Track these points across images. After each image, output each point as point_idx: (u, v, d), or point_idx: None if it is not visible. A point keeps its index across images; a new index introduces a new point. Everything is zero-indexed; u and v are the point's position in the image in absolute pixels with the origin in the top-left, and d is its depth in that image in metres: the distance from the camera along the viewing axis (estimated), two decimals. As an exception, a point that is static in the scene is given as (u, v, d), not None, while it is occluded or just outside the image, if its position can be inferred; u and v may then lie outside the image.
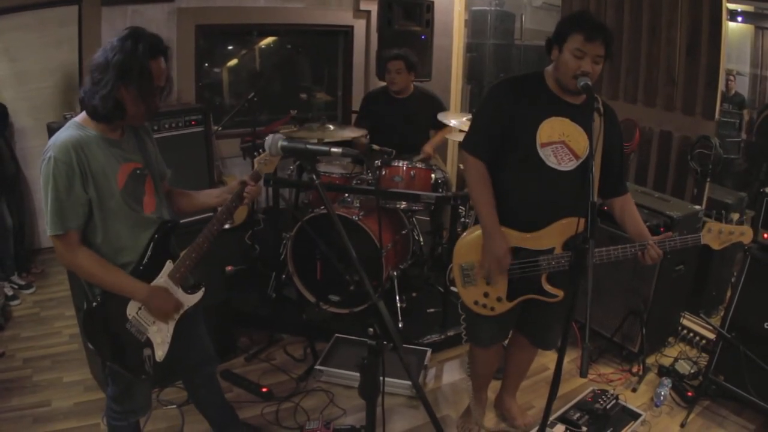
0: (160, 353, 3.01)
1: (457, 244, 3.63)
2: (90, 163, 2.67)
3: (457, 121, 5.70)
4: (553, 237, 3.38)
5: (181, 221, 3.17)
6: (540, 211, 3.38)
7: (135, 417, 3.26)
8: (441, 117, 5.93)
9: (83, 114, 2.75)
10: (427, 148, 6.07)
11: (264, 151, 2.86)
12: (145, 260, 2.92)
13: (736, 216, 6.00)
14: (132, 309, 2.91)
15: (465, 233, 3.63)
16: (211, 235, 3.03)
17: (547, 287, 3.45)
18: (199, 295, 3.15)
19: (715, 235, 3.27)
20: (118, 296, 2.86)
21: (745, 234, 3.26)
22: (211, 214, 4.36)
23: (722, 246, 3.30)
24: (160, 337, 3.00)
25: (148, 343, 2.97)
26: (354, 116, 8.17)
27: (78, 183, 2.65)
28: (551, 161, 3.29)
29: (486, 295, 3.53)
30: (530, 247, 3.40)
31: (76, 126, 2.73)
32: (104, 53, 2.64)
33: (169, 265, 3.00)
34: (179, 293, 3.05)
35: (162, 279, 2.98)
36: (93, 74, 2.65)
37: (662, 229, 4.54)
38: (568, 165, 3.31)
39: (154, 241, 2.95)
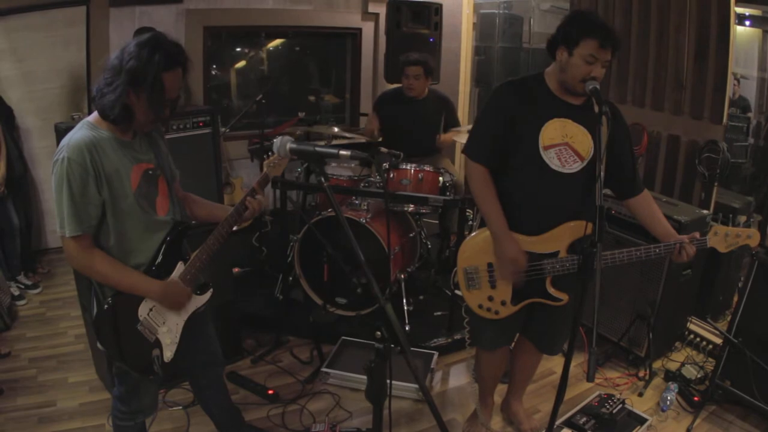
0: (168, 354, 3.01)
1: (461, 247, 3.61)
2: (103, 164, 2.67)
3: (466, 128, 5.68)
4: (557, 240, 3.36)
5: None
6: (544, 215, 3.36)
7: (141, 417, 3.26)
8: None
9: (95, 114, 2.75)
10: (443, 137, 6.07)
11: (273, 153, 2.86)
12: (157, 262, 2.93)
13: (743, 219, 5.99)
14: (143, 310, 2.92)
15: (469, 237, 3.62)
16: (221, 237, 3.02)
17: (552, 291, 3.43)
18: (208, 295, 3.15)
19: (721, 238, 3.26)
20: (130, 297, 2.86)
21: (752, 237, 3.24)
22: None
23: (729, 249, 3.29)
24: (169, 338, 3.01)
25: (157, 344, 2.98)
26: (362, 118, 8.21)
27: (92, 184, 2.64)
28: (555, 164, 3.28)
29: (491, 298, 3.52)
30: (534, 251, 3.38)
31: (89, 126, 2.72)
32: (120, 56, 2.62)
33: (180, 267, 3.00)
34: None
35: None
36: (106, 75, 2.64)
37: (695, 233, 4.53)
38: (573, 167, 3.30)
39: (166, 244, 2.95)
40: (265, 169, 3.03)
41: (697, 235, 3.29)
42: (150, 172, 2.90)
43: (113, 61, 2.64)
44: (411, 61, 5.99)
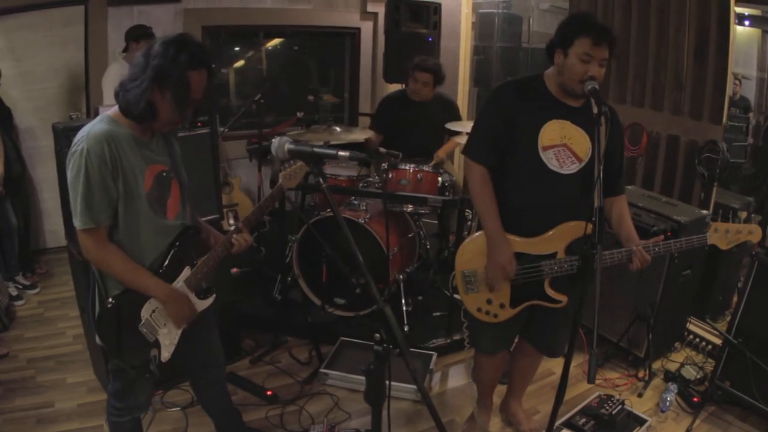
0: (165, 355, 3.01)
1: (458, 251, 3.62)
2: (121, 159, 2.67)
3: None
4: (555, 241, 3.35)
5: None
6: (542, 216, 3.36)
7: (137, 413, 3.26)
8: (453, 126, 5.87)
9: (116, 109, 2.75)
10: (440, 152, 6.01)
11: (292, 163, 2.87)
12: (165, 265, 2.92)
13: (743, 215, 5.98)
14: (146, 311, 2.92)
15: (467, 240, 3.62)
16: (230, 245, 3.03)
17: (551, 292, 3.42)
18: (210, 300, 3.16)
19: (722, 234, 3.23)
20: (134, 298, 2.86)
21: (753, 233, 3.20)
22: (216, 215, 4.39)
23: (730, 246, 3.26)
24: (168, 340, 3.01)
25: (156, 344, 2.98)
26: (360, 118, 8.19)
27: (109, 177, 2.64)
28: (553, 164, 3.28)
29: (489, 301, 3.51)
30: (532, 252, 3.38)
31: (109, 120, 2.72)
32: (147, 53, 2.65)
33: (186, 272, 3.00)
34: (192, 298, 3.05)
35: (179, 284, 2.99)
36: (132, 70, 2.66)
37: (670, 233, 4.52)
38: (570, 168, 3.30)
39: (175, 248, 2.95)
40: (280, 181, 3.02)
41: (659, 239, 3.28)
42: (164, 174, 2.91)
43: (139, 58, 2.66)
44: (423, 67, 5.88)
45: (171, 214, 2.95)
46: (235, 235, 3.04)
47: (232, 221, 6.86)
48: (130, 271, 2.79)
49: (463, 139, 5.78)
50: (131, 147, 2.73)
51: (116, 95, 2.71)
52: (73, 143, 2.65)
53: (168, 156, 2.96)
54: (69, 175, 2.65)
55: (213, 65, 2.77)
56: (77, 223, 2.66)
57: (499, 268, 3.34)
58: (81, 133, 2.66)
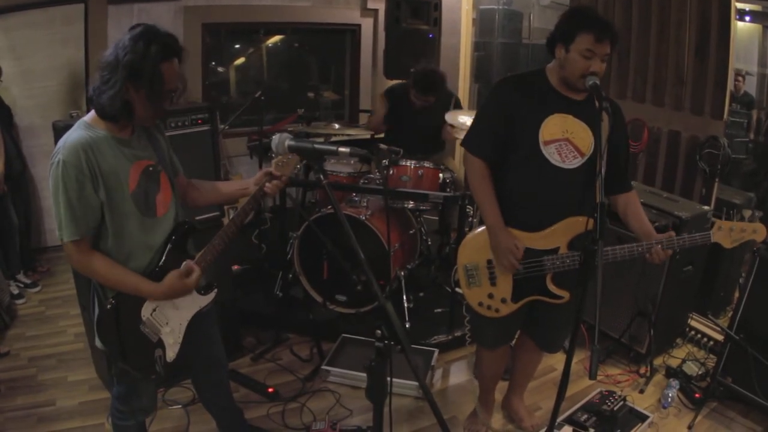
0: (171, 354, 2.99)
1: (461, 245, 3.61)
2: (100, 164, 2.62)
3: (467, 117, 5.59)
4: (558, 237, 3.34)
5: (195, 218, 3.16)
6: (544, 211, 3.34)
7: (141, 416, 3.25)
8: (454, 117, 5.84)
9: (92, 113, 2.71)
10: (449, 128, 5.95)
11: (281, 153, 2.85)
12: (162, 262, 2.89)
13: (748, 213, 5.97)
14: (146, 311, 2.89)
15: (470, 234, 3.61)
16: (227, 237, 3.01)
17: (552, 288, 3.41)
18: (212, 295, 3.13)
19: (725, 232, 3.20)
20: (132, 297, 2.83)
21: (757, 231, 3.18)
22: (217, 212, 4.39)
23: (734, 244, 3.23)
24: (172, 338, 2.98)
25: (160, 344, 2.95)
26: (362, 114, 8.17)
27: (89, 186, 2.60)
28: (555, 159, 3.26)
29: (491, 296, 3.51)
30: (535, 247, 3.37)
31: (85, 126, 2.68)
32: (115, 51, 2.58)
33: None
34: (193, 294, 3.03)
35: None
36: (102, 72, 2.59)
37: (670, 230, 4.51)
38: (573, 163, 3.28)
39: (171, 243, 2.92)
40: (273, 168, 3.00)
41: (672, 234, 3.27)
42: (150, 168, 2.86)
43: (108, 57, 2.59)
44: (427, 92, 5.81)
45: (160, 211, 2.90)
46: (268, 183, 3.02)
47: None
48: (119, 275, 2.76)
49: (459, 132, 5.77)
50: (111, 149, 2.69)
51: (90, 100, 2.67)
52: (52, 154, 2.62)
53: (153, 150, 2.91)
54: (50, 186, 2.62)
55: (183, 50, 2.71)
56: (62, 235, 2.64)
57: (507, 253, 3.32)
58: (59, 144, 2.62)
